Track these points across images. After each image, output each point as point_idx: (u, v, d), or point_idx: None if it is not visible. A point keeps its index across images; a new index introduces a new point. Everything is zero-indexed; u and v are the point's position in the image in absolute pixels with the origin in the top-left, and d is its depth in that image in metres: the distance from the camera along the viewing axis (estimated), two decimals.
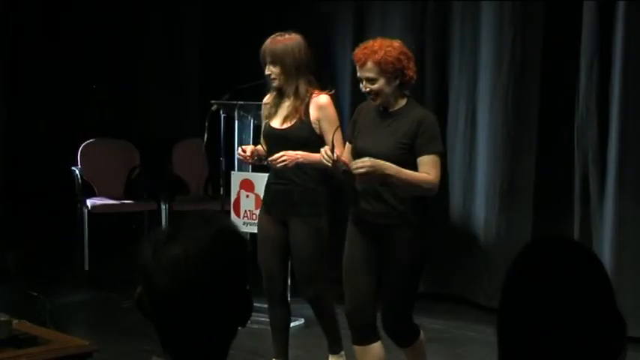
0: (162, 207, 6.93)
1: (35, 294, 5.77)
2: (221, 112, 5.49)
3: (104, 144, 7.52)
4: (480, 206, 6.10)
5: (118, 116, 8.14)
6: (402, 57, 3.87)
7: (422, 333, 4.25)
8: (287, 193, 4.39)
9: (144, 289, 1.59)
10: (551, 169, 5.86)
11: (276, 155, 4.28)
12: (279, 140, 4.34)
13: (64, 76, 8.24)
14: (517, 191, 5.95)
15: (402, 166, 3.81)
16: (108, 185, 7.27)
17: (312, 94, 4.33)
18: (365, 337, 4.07)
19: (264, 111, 4.55)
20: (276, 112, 4.39)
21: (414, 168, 3.87)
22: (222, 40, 7.40)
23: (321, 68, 6.79)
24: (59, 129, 8.17)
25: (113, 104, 8.22)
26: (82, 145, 7.31)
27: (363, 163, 3.74)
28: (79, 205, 7.02)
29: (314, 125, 4.33)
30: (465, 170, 6.17)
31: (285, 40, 4.35)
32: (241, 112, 5.51)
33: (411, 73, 3.91)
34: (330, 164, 3.86)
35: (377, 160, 3.76)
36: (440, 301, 6.23)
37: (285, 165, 4.27)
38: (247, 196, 5.61)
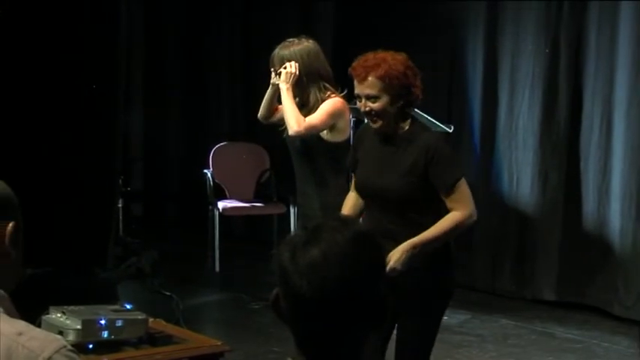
0: (292, 210, 6.99)
1: (168, 294, 5.92)
2: (351, 116, 5.49)
3: (235, 147, 7.66)
4: (615, 214, 5.92)
5: (249, 120, 8.27)
6: (408, 72, 3.36)
7: None
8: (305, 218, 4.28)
9: (281, 292, 1.59)
10: None
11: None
12: (291, 147, 4.22)
13: (196, 81, 8.44)
14: None
15: (413, 203, 3.36)
16: (238, 188, 7.40)
17: (323, 100, 4.12)
18: None
19: None
20: None
21: (428, 202, 3.35)
22: (352, 45, 7.41)
23: (453, 73, 6.80)
24: (192, 133, 8.37)
25: (244, 108, 8.36)
26: (214, 149, 7.46)
27: (395, 264, 3.21)
28: (210, 207, 7.16)
29: None
30: (600, 177, 6.00)
31: (294, 46, 4.14)
32: None
33: (417, 92, 3.39)
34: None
35: (400, 255, 3.24)
36: (572, 310, 6.08)
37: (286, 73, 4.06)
38: None
